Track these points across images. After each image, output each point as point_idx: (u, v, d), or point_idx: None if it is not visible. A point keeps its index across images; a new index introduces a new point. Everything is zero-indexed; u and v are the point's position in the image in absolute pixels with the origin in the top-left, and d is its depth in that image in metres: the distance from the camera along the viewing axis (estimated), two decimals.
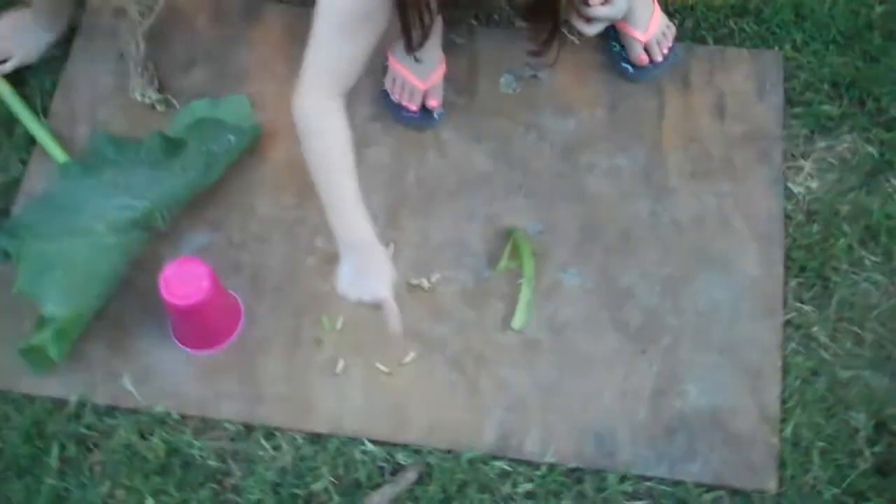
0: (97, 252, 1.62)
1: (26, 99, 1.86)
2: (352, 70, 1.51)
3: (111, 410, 1.64)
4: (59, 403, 1.64)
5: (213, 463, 1.60)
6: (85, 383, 1.65)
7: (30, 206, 1.75)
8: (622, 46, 1.87)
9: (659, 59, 1.85)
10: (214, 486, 1.59)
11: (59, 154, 1.78)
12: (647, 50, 1.85)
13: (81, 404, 1.63)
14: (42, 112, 1.86)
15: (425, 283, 1.71)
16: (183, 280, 1.55)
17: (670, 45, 1.86)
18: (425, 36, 1.46)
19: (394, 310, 1.48)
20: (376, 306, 1.48)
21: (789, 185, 1.78)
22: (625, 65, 1.86)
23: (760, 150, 1.81)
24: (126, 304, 1.69)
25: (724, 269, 1.72)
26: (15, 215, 1.75)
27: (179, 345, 1.67)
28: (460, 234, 1.76)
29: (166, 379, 1.65)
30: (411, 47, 1.49)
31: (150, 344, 1.68)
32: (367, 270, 1.49)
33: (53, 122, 1.85)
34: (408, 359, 1.66)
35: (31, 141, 1.83)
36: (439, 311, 1.70)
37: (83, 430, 1.62)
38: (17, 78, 1.88)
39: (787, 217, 1.75)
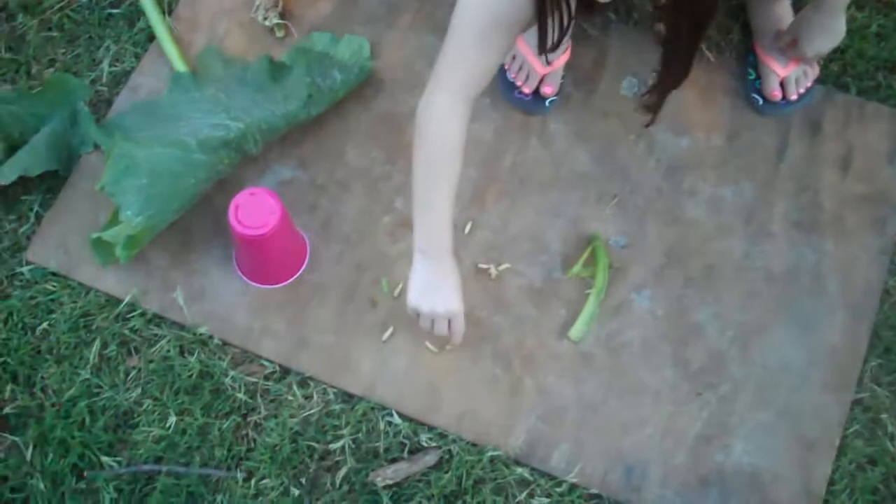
0: (184, 166, 1.61)
1: None
2: (484, 77, 1.44)
3: (159, 320, 1.65)
4: (112, 301, 1.65)
5: (241, 396, 1.59)
6: (140, 287, 1.66)
7: (132, 107, 1.76)
8: (758, 75, 1.77)
9: (793, 97, 1.74)
10: (238, 418, 1.58)
11: (177, 61, 1.78)
12: (783, 85, 1.74)
13: (132, 307, 1.64)
14: (167, 12, 1.86)
15: (493, 270, 1.66)
16: (253, 211, 1.54)
17: (809, 85, 1.76)
18: (562, 39, 1.39)
19: (462, 325, 1.49)
20: (447, 318, 1.47)
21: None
22: (755, 95, 1.76)
23: (876, 216, 1.69)
24: (199, 221, 1.69)
25: (805, 330, 1.62)
26: (115, 114, 1.77)
27: (240, 273, 1.66)
28: (541, 229, 1.70)
29: (218, 303, 1.65)
30: (545, 49, 1.43)
31: (211, 265, 1.68)
32: (441, 282, 1.46)
33: (176, 24, 1.85)
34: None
35: (151, 37, 1.84)
36: (500, 302, 1.65)
37: (127, 333, 1.63)
38: None
39: (886, 293, 1.64)
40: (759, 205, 1.71)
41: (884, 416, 1.57)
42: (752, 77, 1.78)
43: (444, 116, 1.42)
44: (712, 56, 1.81)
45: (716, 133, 1.76)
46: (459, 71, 1.41)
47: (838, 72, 1.79)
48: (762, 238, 1.68)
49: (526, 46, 1.74)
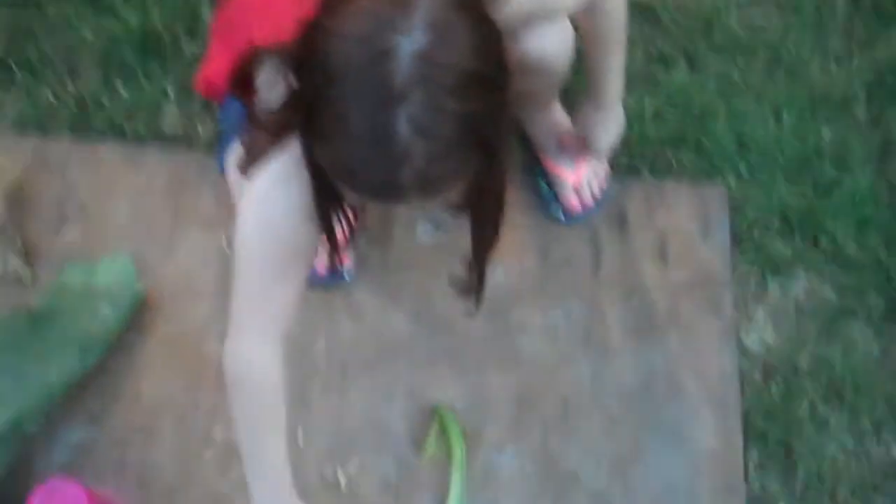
0: None
1: None
2: (292, 310, 1.26)
3: None
4: None
5: None
6: None
7: None
8: (551, 186, 1.68)
9: (590, 202, 1.67)
10: None
11: None
12: (577, 192, 1.66)
13: None
14: None
15: (342, 479, 1.49)
16: None
17: (603, 185, 1.69)
18: (349, 238, 1.25)
19: None
20: None
21: (742, 337, 1.61)
22: (555, 209, 1.68)
23: (708, 299, 1.63)
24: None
25: (678, 441, 1.53)
26: None
27: None
28: (379, 414, 1.54)
29: None
30: (337, 252, 1.28)
31: None
32: None
33: None
34: None
35: None
36: None
37: None
38: None
39: (743, 376, 1.58)
40: (592, 321, 1.61)
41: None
42: (546, 190, 1.69)
43: (255, 363, 1.22)
44: None
45: (527, 256, 1.66)
46: (263, 309, 1.22)
47: (628, 160, 1.73)
48: (606, 356, 1.59)
49: None
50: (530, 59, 1.41)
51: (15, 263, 1.61)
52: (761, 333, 1.61)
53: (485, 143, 0.99)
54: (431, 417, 1.53)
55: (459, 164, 0.99)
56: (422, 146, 0.94)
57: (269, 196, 1.16)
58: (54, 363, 1.48)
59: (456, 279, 1.29)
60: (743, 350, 1.59)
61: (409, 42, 0.92)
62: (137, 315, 1.58)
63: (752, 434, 1.54)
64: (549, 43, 1.40)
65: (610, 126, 1.57)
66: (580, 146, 1.62)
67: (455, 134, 0.95)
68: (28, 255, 1.63)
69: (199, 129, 1.72)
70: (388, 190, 0.97)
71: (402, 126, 0.93)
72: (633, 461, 1.51)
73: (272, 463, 1.23)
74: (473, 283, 1.28)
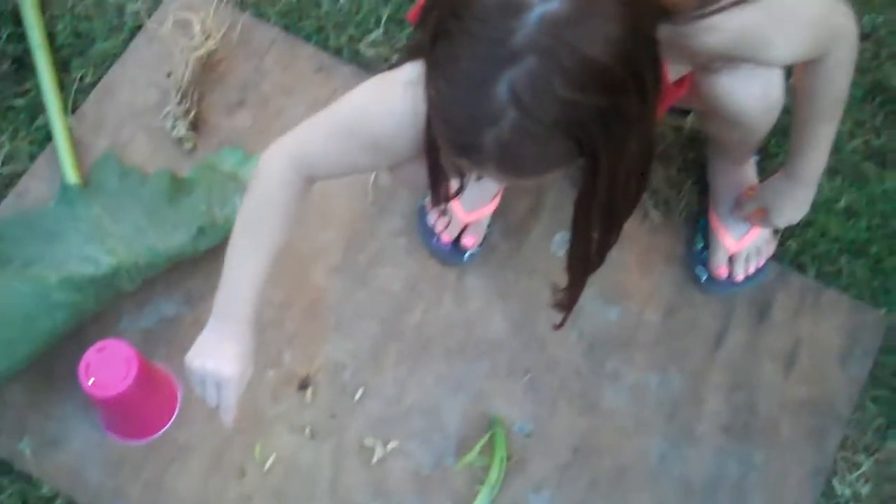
0: (41, 308, 1.45)
1: (62, 87, 1.70)
2: (329, 171, 1.29)
3: (7, 467, 1.49)
4: None
5: None
6: None
7: (14, 218, 1.59)
8: (706, 245, 1.58)
9: (739, 278, 1.55)
10: None
11: (69, 169, 1.61)
12: (731, 261, 1.55)
13: None
14: (72, 108, 1.70)
15: (377, 451, 1.49)
16: (106, 367, 1.37)
17: (760, 264, 1.56)
18: (457, 193, 1.21)
19: (231, 397, 1.25)
20: (216, 383, 1.25)
21: (835, 481, 1.47)
22: (700, 269, 1.57)
23: (817, 428, 1.50)
24: (64, 357, 1.51)
25: None
26: None
27: (100, 423, 1.51)
28: (439, 404, 1.52)
29: (72, 454, 1.49)
30: (438, 201, 1.25)
31: (69, 410, 1.51)
32: (220, 345, 1.26)
33: (77, 123, 1.69)
34: None
35: (50, 136, 1.68)
36: (380, 487, 1.47)
37: None
38: (63, 61, 1.73)
39: None
40: (686, 399, 1.52)
41: None
42: (700, 247, 1.59)
43: (276, 176, 1.25)
44: (658, 216, 1.62)
45: (650, 307, 1.57)
46: (311, 148, 1.25)
47: (796, 250, 1.59)
48: (684, 440, 1.50)
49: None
50: (722, 104, 1.30)
51: (182, 128, 1.66)
52: (856, 486, 1.47)
53: (586, 142, 0.92)
54: (486, 428, 1.50)
55: (547, 151, 0.93)
56: (513, 116, 0.89)
57: (397, 83, 1.12)
58: (172, 233, 1.54)
59: (556, 289, 1.24)
60: (829, 494, 1.46)
61: (545, 6, 0.87)
62: None
63: None
64: (750, 94, 1.30)
65: (798, 202, 1.44)
66: (757, 214, 1.50)
67: (552, 118, 0.90)
68: (196, 124, 1.68)
69: (395, 59, 1.71)
70: (467, 147, 0.94)
71: (503, 88, 0.88)
72: None
73: (242, 272, 1.26)
74: (565, 299, 1.23)
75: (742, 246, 1.55)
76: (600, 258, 1.17)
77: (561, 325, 1.29)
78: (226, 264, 1.27)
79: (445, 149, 1.01)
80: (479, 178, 1.32)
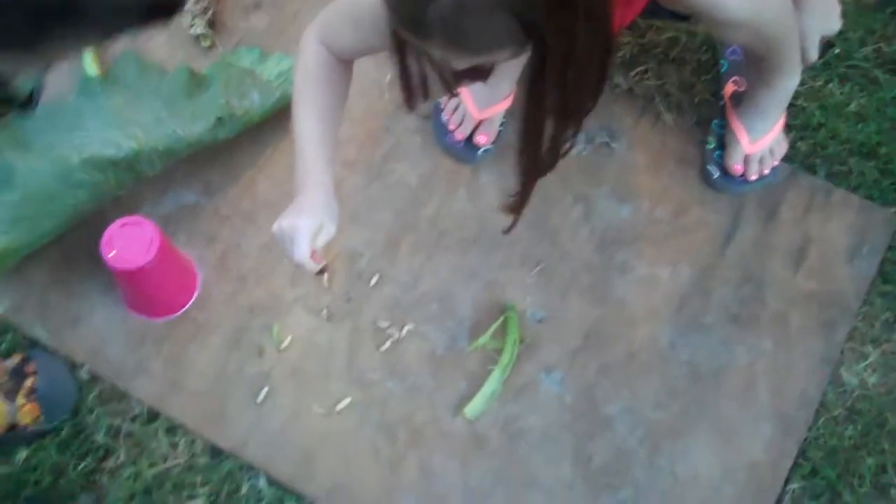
0: (63, 186, 1.48)
1: None
2: (349, 50, 1.36)
3: (31, 343, 1.52)
4: None
5: (101, 438, 1.46)
6: (13, 302, 1.54)
7: (39, 109, 1.63)
8: (720, 145, 1.60)
9: (754, 177, 1.58)
10: (93, 462, 1.45)
11: (89, 63, 1.65)
12: (746, 159, 1.58)
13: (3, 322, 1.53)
14: None
15: (393, 334, 1.52)
16: (129, 242, 1.41)
17: (775, 164, 1.59)
18: (426, 94, 1.24)
19: (302, 245, 1.28)
20: (292, 237, 1.28)
21: (842, 370, 1.49)
22: (712, 167, 1.60)
23: (825, 320, 1.52)
24: (87, 237, 1.55)
25: (725, 439, 1.46)
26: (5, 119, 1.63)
27: (122, 301, 1.54)
28: (453, 291, 1.55)
29: (94, 329, 1.53)
30: (409, 100, 1.28)
31: (92, 288, 1.55)
32: (298, 206, 1.31)
33: None
34: (342, 405, 1.48)
35: None
36: (396, 366, 1.50)
37: None
38: None
39: (823, 407, 1.47)
40: (695, 291, 1.54)
41: None
42: (712, 146, 1.61)
43: (311, 55, 1.35)
44: (670, 118, 1.65)
45: (662, 205, 1.60)
46: (331, 31, 1.34)
47: (807, 152, 1.62)
48: (693, 329, 1.52)
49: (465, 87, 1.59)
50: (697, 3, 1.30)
51: (200, 26, 1.70)
52: (863, 375, 1.49)
53: (528, 22, 0.96)
54: (499, 313, 1.53)
55: (490, 27, 0.97)
56: None
57: None
58: (191, 123, 1.57)
59: (507, 194, 1.28)
60: (837, 382, 1.49)
61: None
62: (280, 117, 1.63)
63: (803, 465, 1.44)
64: None
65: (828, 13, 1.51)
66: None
67: None
68: (214, 25, 1.72)
69: None
70: (415, 23, 0.98)
71: None
72: (672, 437, 1.46)
73: (303, 140, 1.33)
74: (515, 203, 1.27)
75: (758, 148, 1.57)
76: (552, 159, 1.20)
77: (510, 229, 1.33)
78: (294, 142, 1.34)
79: (394, 24, 1.05)
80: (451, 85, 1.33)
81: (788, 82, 1.48)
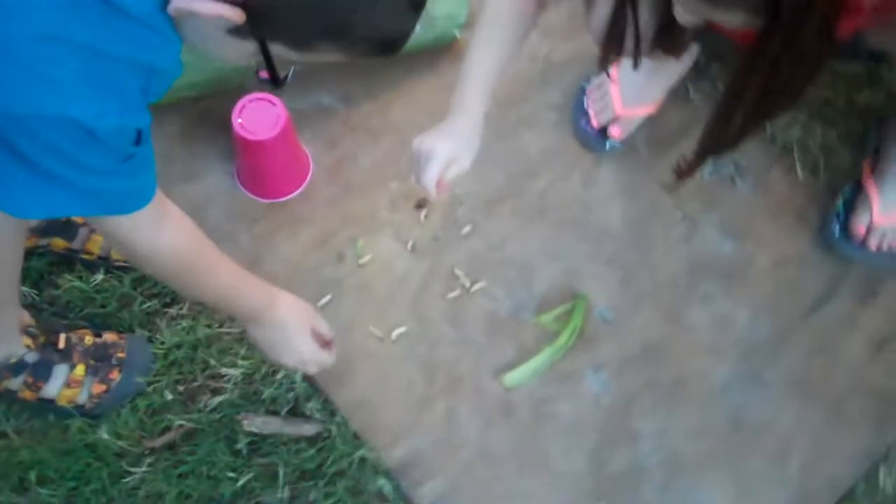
0: None
1: None
2: None
3: None
4: None
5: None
6: None
7: None
8: (848, 211, 1.57)
9: (873, 248, 1.54)
10: (157, 304, 1.54)
11: None
12: (872, 227, 1.54)
13: None
14: None
15: (464, 282, 1.56)
16: (258, 116, 1.49)
17: (894, 246, 1.55)
18: (636, 57, 1.25)
19: (434, 167, 1.36)
20: (428, 158, 1.36)
21: (881, 471, 1.47)
22: (834, 225, 1.57)
23: (882, 416, 1.50)
24: (222, 104, 1.61)
25: (742, 493, 1.45)
26: None
27: (235, 172, 1.63)
28: (534, 264, 1.58)
29: (200, 190, 1.62)
30: (607, 57, 1.29)
31: (210, 153, 1.64)
32: (443, 129, 1.38)
33: None
34: (397, 332, 1.54)
35: None
36: (457, 315, 1.55)
37: None
38: None
39: (849, 497, 1.45)
40: (767, 345, 1.53)
41: None
42: (841, 204, 1.58)
43: None
44: (802, 175, 1.63)
45: (765, 251, 1.59)
46: None
47: None
48: (751, 380, 1.51)
49: (616, 75, 1.61)
50: None
51: None
52: None
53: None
54: (570, 300, 1.55)
55: None
56: None
57: None
58: None
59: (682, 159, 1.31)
60: (871, 479, 1.46)
61: None
62: (436, 52, 1.69)
63: None
64: None
65: None
66: None
67: None
68: None
69: None
70: None
71: None
72: (691, 473, 1.46)
73: (469, 65, 1.39)
74: (685, 167, 1.29)
75: (887, 220, 1.53)
76: (735, 141, 1.21)
77: (674, 188, 1.41)
78: (464, 61, 1.40)
79: None
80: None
81: None
